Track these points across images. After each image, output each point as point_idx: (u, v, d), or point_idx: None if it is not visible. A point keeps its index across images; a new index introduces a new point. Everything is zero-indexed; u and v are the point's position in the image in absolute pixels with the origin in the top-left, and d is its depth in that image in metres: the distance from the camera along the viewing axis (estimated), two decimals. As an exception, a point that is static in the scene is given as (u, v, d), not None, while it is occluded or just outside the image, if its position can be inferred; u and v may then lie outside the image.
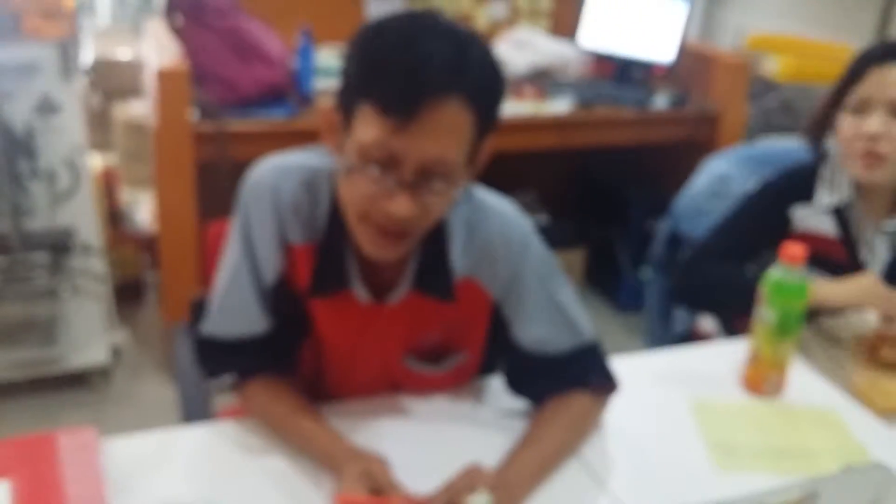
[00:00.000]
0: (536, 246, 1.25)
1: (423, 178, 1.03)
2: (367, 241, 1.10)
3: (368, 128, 1.01)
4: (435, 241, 1.18)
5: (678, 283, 1.75)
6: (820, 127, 1.68)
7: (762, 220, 1.54)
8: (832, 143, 1.67)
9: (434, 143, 1.01)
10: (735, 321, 1.80)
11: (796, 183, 1.71)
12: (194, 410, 1.48)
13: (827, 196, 1.66)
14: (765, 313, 1.37)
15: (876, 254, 1.67)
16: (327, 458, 1.13)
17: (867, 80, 1.57)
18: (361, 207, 1.07)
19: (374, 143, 1.01)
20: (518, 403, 1.31)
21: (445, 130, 1.01)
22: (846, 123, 1.60)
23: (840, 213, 1.67)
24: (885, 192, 1.64)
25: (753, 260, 1.68)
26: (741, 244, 1.60)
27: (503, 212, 1.24)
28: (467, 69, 1.01)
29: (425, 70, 0.99)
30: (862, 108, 1.57)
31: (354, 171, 1.05)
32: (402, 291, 1.21)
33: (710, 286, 1.64)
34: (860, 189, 1.65)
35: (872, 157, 1.56)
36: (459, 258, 1.21)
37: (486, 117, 1.06)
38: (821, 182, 1.68)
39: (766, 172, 1.84)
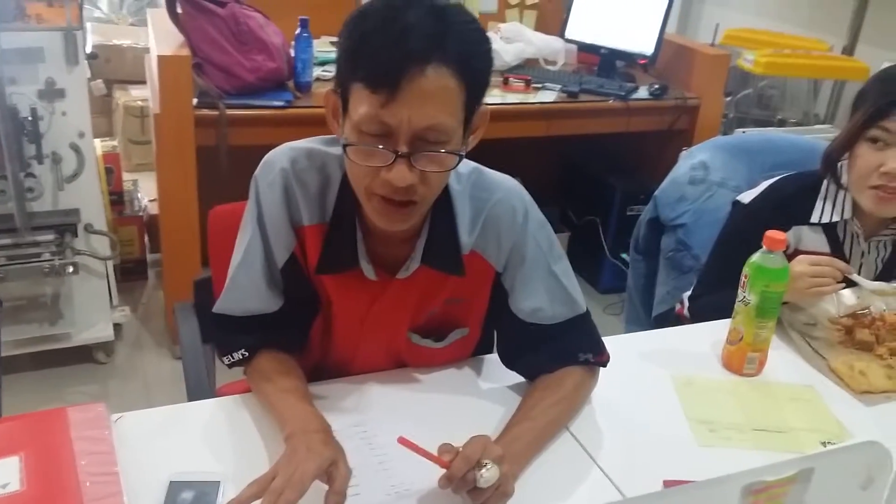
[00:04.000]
0: (537, 217, 1.24)
1: (418, 146, 1.02)
2: (376, 215, 1.09)
3: (361, 105, 1.01)
4: (443, 218, 1.17)
5: (693, 317, 1.69)
6: (840, 153, 1.61)
7: (758, 241, 1.42)
8: (844, 165, 1.62)
9: (422, 111, 0.99)
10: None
11: (793, 197, 1.66)
12: (197, 386, 1.47)
13: (828, 212, 1.63)
14: (745, 296, 1.37)
15: (867, 262, 1.66)
16: (283, 425, 1.10)
17: (892, 118, 1.49)
18: (365, 182, 1.07)
19: (366, 119, 1.01)
20: (513, 378, 1.30)
21: (432, 98, 0.99)
22: (864, 154, 1.55)
23: (830, 229, 1.64)
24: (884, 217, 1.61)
25: None
26: (739, 269, 1.48)
27: (505, 184, 1.23)
28: (447, 36, 0.99)
29: (405, 41, 0.97)
30: (882, 143, 1.52)
31: (353, 147, 1.04)
32: (412, 268, 1.19)
33: (721, 314, 1.51)
34: (857, 209, 1.61)
35: (887, 192, 1.52)
36: (467, 233, 1.20)
37: (473, 81, 1.03)
38: (823, 197, 1.64)
39: (748, 173, 1.73)
